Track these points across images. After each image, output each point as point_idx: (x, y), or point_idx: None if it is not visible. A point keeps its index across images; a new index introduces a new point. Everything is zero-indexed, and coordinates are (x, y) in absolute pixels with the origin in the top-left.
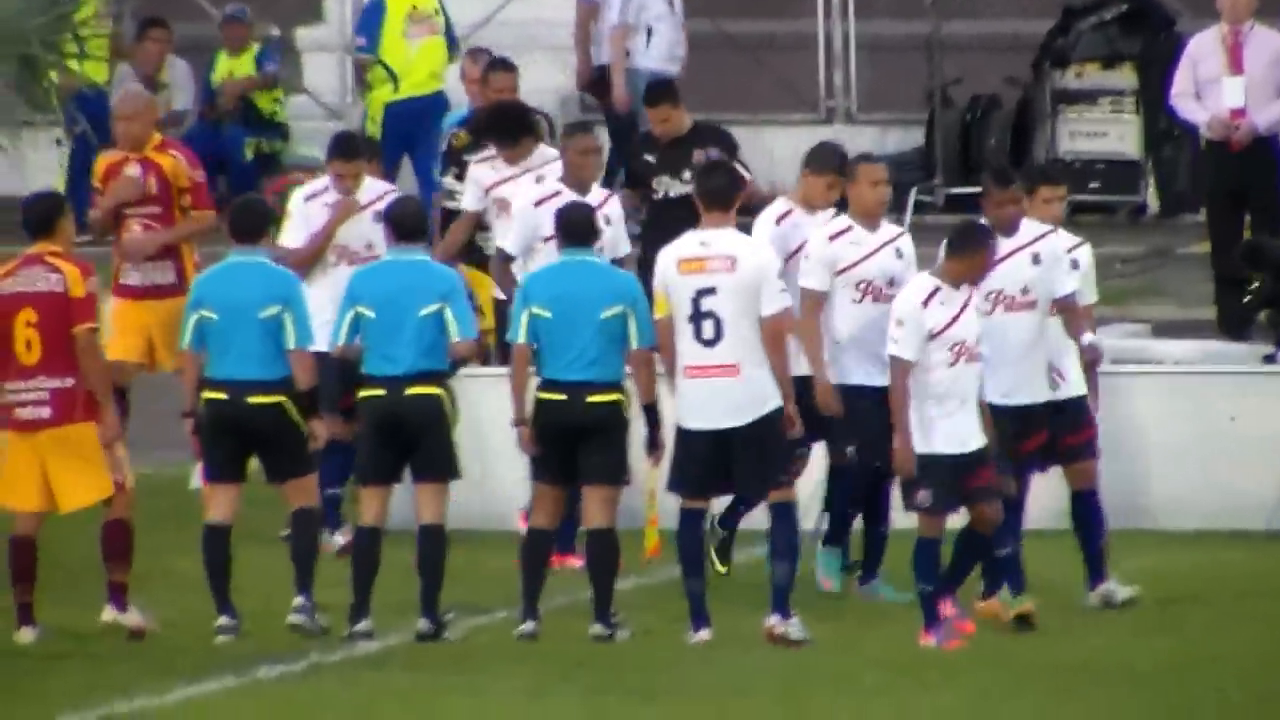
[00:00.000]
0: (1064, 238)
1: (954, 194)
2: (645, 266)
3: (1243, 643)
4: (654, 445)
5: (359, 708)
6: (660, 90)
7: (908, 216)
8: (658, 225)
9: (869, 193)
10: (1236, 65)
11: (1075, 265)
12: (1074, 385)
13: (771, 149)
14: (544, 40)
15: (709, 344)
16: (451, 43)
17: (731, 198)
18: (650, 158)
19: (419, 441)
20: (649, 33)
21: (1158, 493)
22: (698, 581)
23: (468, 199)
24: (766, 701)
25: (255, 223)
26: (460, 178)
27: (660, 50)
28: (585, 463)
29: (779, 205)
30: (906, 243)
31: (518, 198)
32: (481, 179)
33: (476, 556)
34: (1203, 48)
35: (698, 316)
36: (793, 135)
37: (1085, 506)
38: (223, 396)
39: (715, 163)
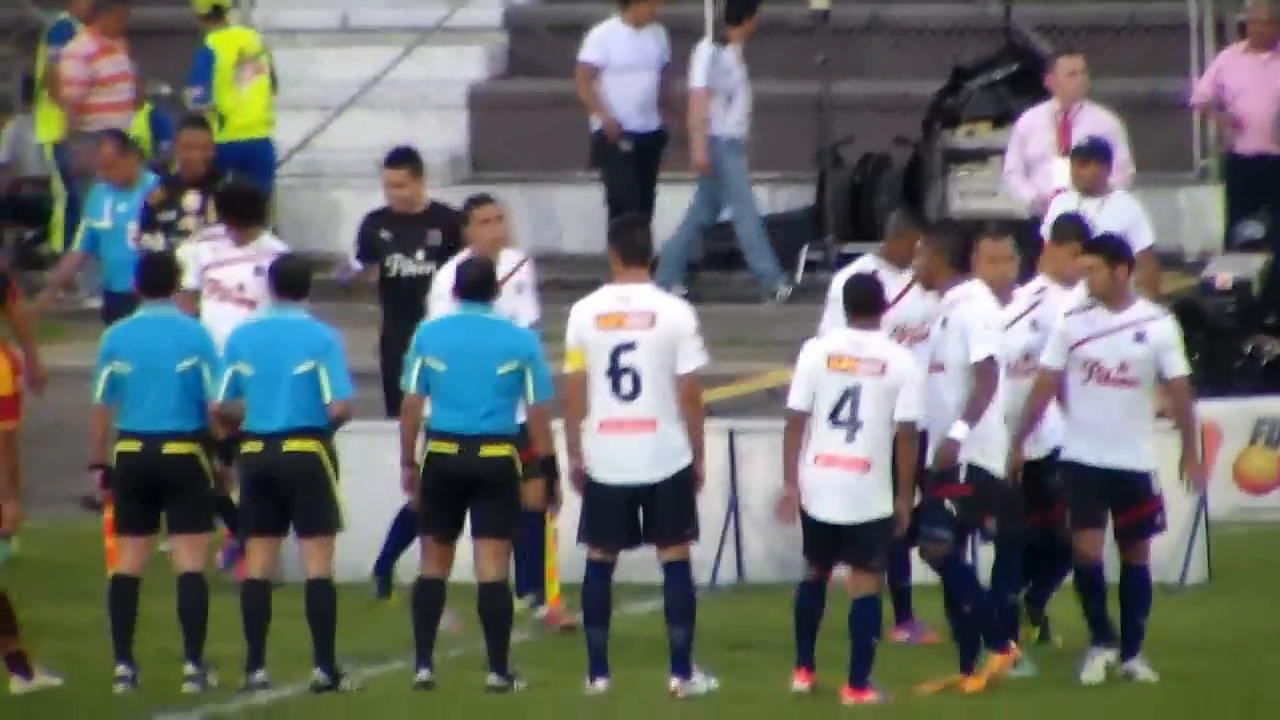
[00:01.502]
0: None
1: (845, 252)
2: (384, 344)
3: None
4: (551, 497)
5: None
6: (403, 157)
7: (799, 274)
8: (389, 303)
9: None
10: (1066, 145)
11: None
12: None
13: (668, 208)
14: (433, 99)
15: (627, 399)
16: (273, 83)
17: (648, 253)
18: (385, 234)
19: (297, 497)
20: (729, 99)
21: None
22: (599, 632)
23: (189, 277)
24: None
25: (165, 277)
26: (153, 230)
27: (736, 117)
28: (476, 516)
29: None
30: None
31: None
32: (200, 257)
33: (376, 605)
34: (1033, 126)
35: (616, 371)
36: (683, 193)
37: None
38: (137, 448)
39: (630, 218)
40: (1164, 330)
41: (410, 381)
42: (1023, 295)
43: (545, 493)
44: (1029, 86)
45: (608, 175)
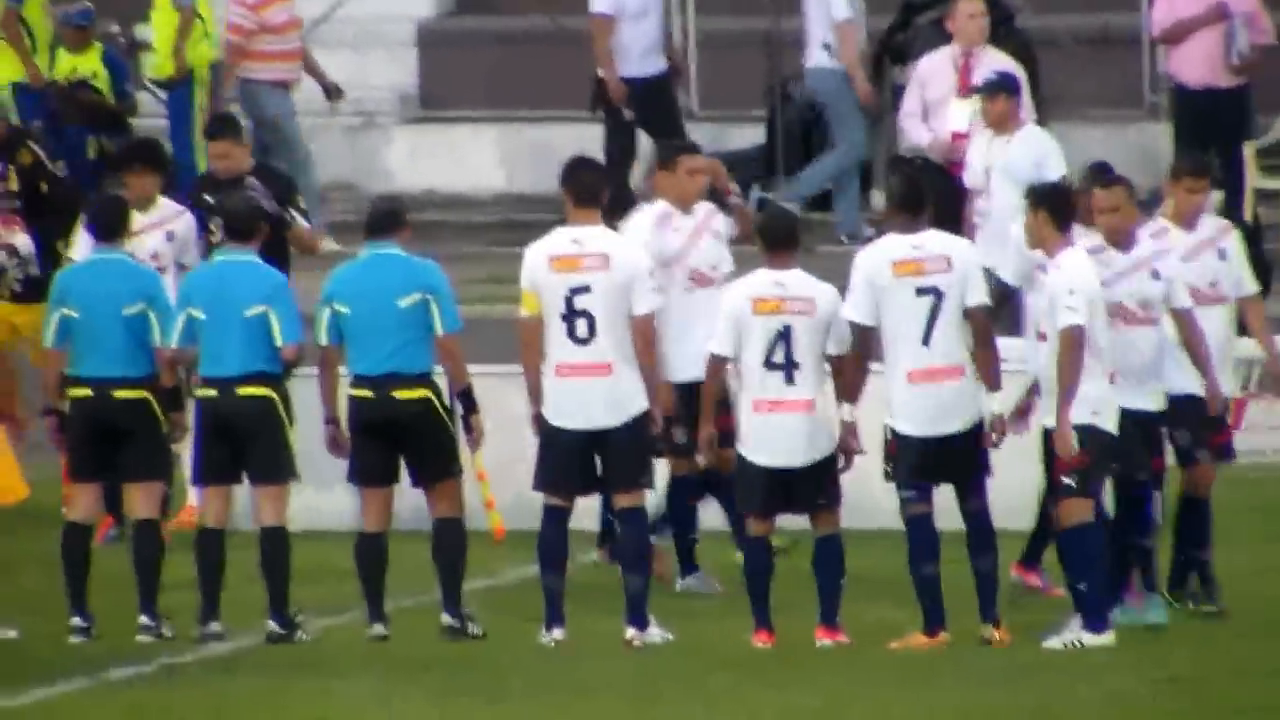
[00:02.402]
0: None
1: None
2: None
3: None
4: (469, 429)
5: (209, 710)
6: (222, 124)
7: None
8: None
9: None
10: (965, 88)
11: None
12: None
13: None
14: (386, 37)
15: (583, 342)
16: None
17: (600, 193)
18: (210, 198)
19: (252, 444)
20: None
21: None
22: (556, 579)
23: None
24: (614, 702)
25: (116, 221)
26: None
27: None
28: (413, 468)
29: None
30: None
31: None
32: None
33: (330, 555)
34: (933, 69)
35: (571, 315)
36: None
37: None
38: (88, 393)
39: (581, 159)
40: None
41: (321, 333)
42: (1144, 241)
43: (463, 424)
44: None
45: (609, 129)
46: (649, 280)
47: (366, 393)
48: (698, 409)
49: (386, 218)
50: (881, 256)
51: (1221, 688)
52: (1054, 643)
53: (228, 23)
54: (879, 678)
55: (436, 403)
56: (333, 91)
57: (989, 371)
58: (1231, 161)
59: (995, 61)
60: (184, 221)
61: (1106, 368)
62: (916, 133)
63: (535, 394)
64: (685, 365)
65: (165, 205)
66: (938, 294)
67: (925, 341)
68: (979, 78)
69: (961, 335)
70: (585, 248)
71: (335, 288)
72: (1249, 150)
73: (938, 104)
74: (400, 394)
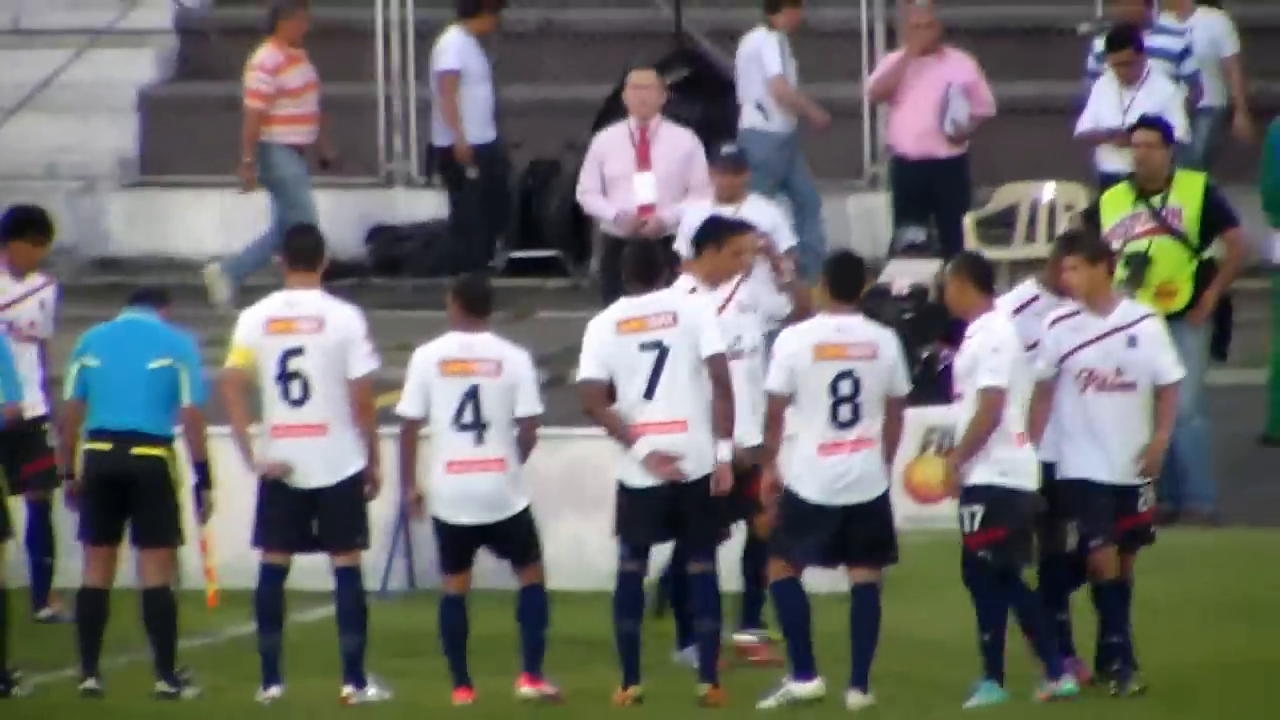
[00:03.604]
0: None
1: (515, 257)
2: None
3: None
4: (199, 503)
5: None
6: None
7: None
8: None
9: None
10: (645, 161)
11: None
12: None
13: (332, 212)
14: (107, 101)
15: (296, 404)
16: None
17: (318, 258)
18: None
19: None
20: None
21: None
22: (272, 637)
23: None
24: None
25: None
26: None
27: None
28: (135, 526)
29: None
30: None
31: None
32: None
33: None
34: (611, 145)
35: (285, 376)
36: (354, 198)
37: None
38: (107, 447)
39: (303, 225)
40: (1156, 330)
41: (69, 387)
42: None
43: (195, 498)
44: (698, 91)
45: (456, 195)
46: (364, 344)
47: (104, 445)
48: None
49: (150, 293)
50: (608, 317)
51: None
52: (768, 702)
53: (249, 89)
54: None
55: (171, 467)
56: (329, 161)
57: (723, 419)
58: (951, 231)
59: (672, 134)
60: (51, 291)
61: (1022, 431)
62: (601, 208)
63: (245, 443)
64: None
65: (36, 275)
66: (661, 348)
67: (649, 395)
68: (656, 151)
69: (692, 389)
70: (299, 310)
71: (87, 343)
72: (969, 220)
73: (618, 179)
74: (138, 450)
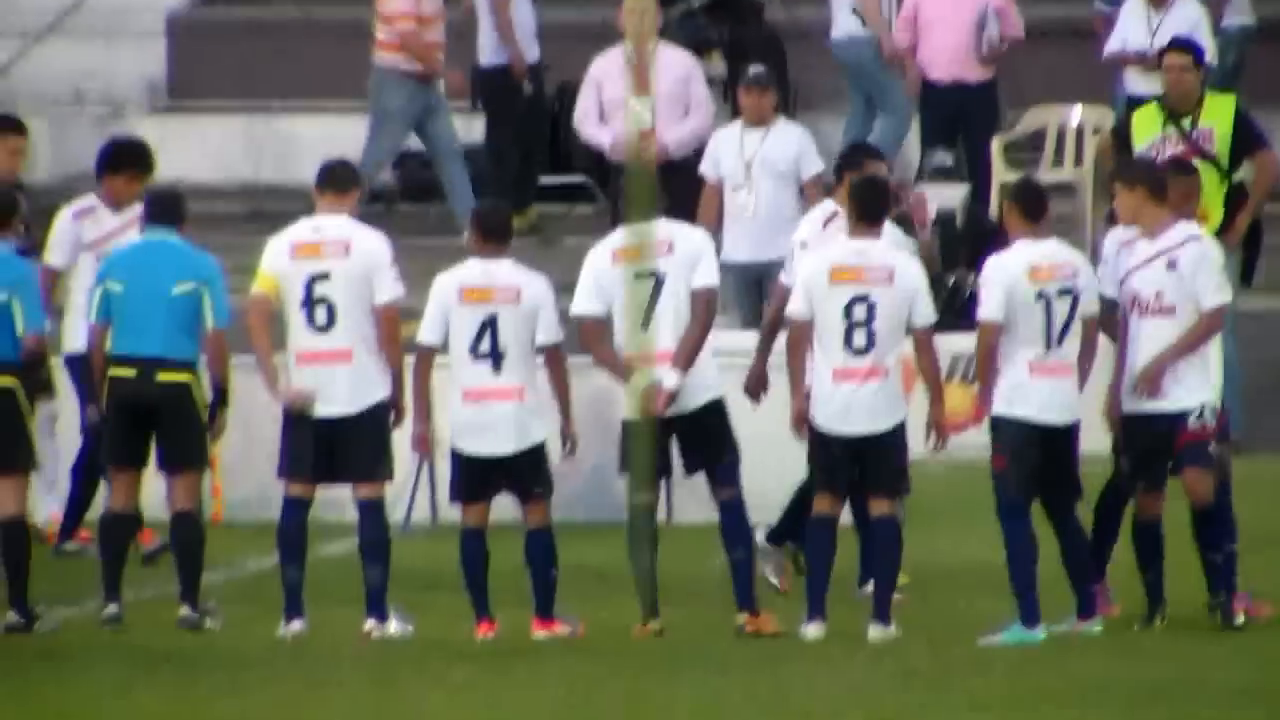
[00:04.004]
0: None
1: (543, 184)
2: None
3: None
4: (213, 423)
5: None
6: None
7: None
8: None
9: None
10: (643, 86)
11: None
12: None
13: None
14: (131, 26)
15: (322, 330)
16: None
17: (349, 184)
18: None
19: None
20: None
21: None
22: (295, 571)
23: (57, 255)
24: (353, 693)
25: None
26: None
27: None
28: (160, 449)
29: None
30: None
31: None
32: (84, 235)
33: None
34: (607, 71)
35: (310, 302)
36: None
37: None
38: (130, 373)
39: (339, 161)
40: (1199, 253)
41: (93, 311)
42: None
43: (209, 417)
44: (727, 14)
45: (502, 117)
46: (390, 270)
47: (129, 371)
48: None
49: (168, 206)
50: (603, 248)
51: (961, 681)
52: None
53: (399, 11)
54: (620, 667)
55: (195, 392)
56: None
57: (685, 350)
58: (980, 156)
59: (668, 58)
60: None
61: (1031, 356)
62: (596, 136)
63: (270, 372)
64: None
65: (133, 208)
66: (657, 277)
67: (645, 326)
68: (654, 75)
69: (682, 319)
70: (325, 234)
71: (109, 267)
72: (996, 144)
73: (615, 104)
74: (162, 376)
